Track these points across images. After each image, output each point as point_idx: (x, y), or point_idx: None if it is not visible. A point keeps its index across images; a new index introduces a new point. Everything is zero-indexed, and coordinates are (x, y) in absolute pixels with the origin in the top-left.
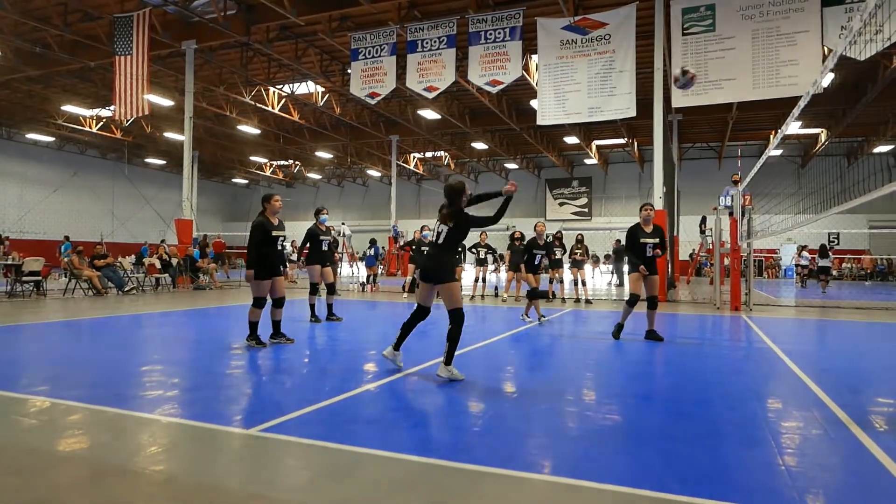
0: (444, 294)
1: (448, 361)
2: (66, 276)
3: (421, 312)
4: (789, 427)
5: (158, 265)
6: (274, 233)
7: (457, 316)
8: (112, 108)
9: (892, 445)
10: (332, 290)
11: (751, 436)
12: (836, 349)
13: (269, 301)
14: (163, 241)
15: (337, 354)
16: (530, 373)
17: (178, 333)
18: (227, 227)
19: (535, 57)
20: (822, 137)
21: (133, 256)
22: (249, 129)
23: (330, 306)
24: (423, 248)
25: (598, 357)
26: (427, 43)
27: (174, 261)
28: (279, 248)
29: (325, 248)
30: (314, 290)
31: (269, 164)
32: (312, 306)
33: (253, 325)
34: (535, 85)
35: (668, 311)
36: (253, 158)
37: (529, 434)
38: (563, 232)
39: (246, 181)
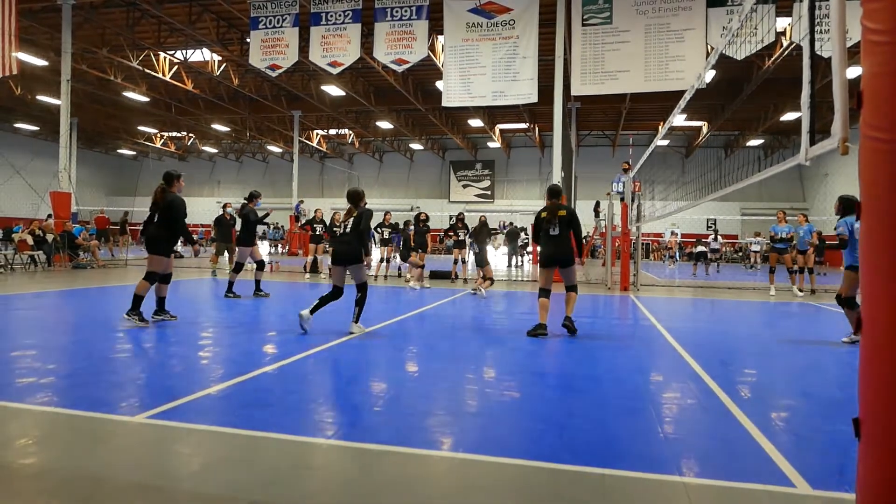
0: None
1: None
2: None
3: (336, 293)
4: (668, 398)
5: (31, 241)
6: None
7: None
8: None
9: (753, 411)
10: (261, 266)
11: (634, 407)
12: (709, 325)
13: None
14: (49, 216)
15: (233, 336)
16: (432, 352)
17: (55, 315)
18: (112, 201)
19: (441, 38)
20: (704, 130)
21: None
22: (137, 96)
23: (258, 282)
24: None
25: (496, 336)
26: (332, 16)
27: (49, 237)
28: None
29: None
30: (239, 269)
31: (159, 135)
32: (231, 283)
33: (139, 300)
34: (440, 66)
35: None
36: (141, 129)
37: (430, 412)
38: (465, 213)
39: (133, 153)
